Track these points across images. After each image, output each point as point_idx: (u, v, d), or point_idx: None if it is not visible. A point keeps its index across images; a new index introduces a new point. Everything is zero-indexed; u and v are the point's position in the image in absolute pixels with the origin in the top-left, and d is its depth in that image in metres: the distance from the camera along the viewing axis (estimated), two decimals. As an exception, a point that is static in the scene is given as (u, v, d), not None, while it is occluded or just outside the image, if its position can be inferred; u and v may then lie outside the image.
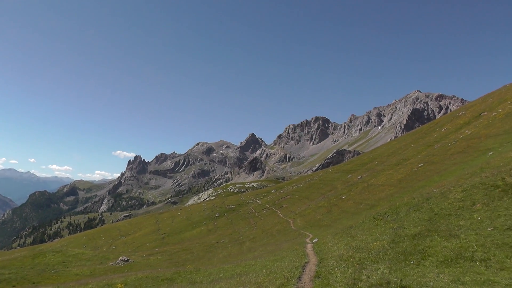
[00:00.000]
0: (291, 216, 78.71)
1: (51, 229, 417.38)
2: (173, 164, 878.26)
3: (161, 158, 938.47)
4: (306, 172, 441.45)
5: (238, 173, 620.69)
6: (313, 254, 26.02)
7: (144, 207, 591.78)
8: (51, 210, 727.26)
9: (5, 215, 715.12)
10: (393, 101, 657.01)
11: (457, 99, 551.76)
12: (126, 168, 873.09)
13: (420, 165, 61.33)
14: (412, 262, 15.80)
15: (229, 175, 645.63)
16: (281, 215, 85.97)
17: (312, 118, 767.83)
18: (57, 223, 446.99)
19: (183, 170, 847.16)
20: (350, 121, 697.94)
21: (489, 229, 16.44)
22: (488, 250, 14.08)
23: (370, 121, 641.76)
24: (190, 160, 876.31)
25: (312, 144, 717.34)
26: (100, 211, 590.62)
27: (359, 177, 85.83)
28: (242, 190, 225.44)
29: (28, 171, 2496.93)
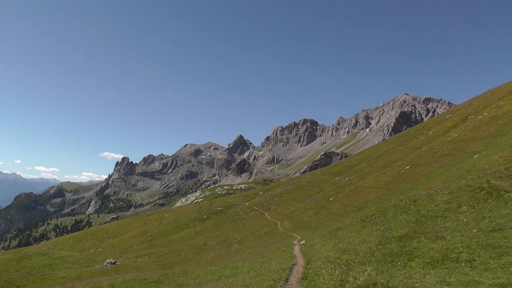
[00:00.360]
0: (279, 218, 78.75)
1: (37, 232, 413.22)
2: (161, 165, 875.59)
3: (149, 159, 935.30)
4: (294, 174, 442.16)
5: (226, 175, 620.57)
6: (300, 256, 26.05)
7: (132, 209, 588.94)
8: (38, 212, 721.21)
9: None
10: (381, 104, 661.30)
11: (444, 102, 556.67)
12: (114, 170, 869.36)
13: (407, 167, 61.70)
14: (399, 264, 15.87)
15: (217, 177, 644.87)
16: (269, 217, 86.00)
17: (300, 120, 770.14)
18: (43, 225, 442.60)
19: (171, 171, 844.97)
20: (338, 124, 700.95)
21: (474, 230, 16.57)
22: (473, 251, 14.20)
23: (358, 123, 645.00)
24: (178, 161, 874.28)
25: (300, 146, 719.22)
26: (87, 213, 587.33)
27: (347, 179, 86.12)
28: (230, 192, 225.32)
29: (14, 173, 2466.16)
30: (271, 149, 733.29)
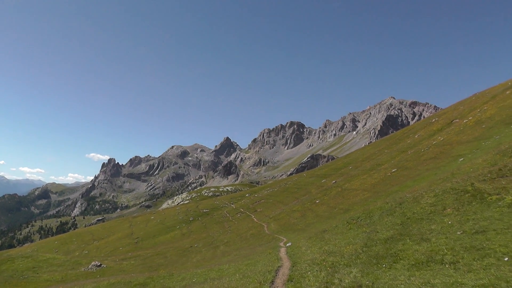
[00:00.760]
0: (265, 220, 78.71)
1: (20, 234, 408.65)
2: (147, 167, 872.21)
3: (135, 161, 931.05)
4: (280, 176, 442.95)
5: (213, 177, 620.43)
6: (286, 258, 26.07)
7: (118, 210, 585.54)
8: (22, 214, 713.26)
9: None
10: (368, 107, 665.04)
11: (430, 106, 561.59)
12: (100, 171, 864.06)
13: (393, 170, 62.07)
14: (384, 266, 15.98)
15: (203, 178, 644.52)
16: (255, 219, 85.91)
17: (287, 123, 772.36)
18: (27, 227, 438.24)
19: (158, 173, 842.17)
20: (325, 126, 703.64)
21: (458, 233, 16.74)
22: (457, 253, 14.37)
23: (345, 126, 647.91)
24: (164, 163, 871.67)
25: (287, 149, 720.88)
26: (73, 214, 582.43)
27: (333, 181, 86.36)
28: (217, 194, 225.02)
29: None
30: (258, 151, 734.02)
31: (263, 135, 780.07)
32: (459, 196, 22.45)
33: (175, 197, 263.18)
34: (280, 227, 63.56)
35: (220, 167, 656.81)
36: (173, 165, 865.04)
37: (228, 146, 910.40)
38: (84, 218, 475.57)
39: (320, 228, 39.19)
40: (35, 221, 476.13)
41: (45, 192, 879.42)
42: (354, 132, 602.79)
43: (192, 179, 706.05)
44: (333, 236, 28.26)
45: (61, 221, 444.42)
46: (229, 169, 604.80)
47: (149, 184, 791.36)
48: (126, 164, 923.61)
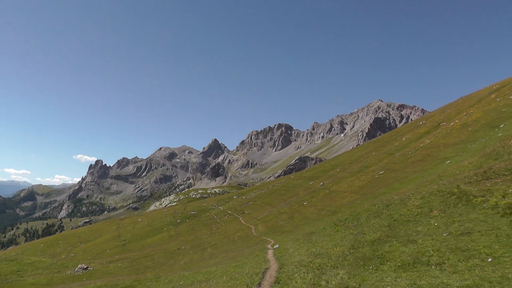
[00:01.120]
0: (253, 222, 78.67)
1: (5, 237, 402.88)
2: (135, 169, 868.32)
3: (123, 162, 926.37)
4: (268, 178, 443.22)
5: (201, 179, 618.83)
6: (274, 260, 26.06)
7: (105, 212, 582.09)
8: (6, 216, 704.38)
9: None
10: (356, 110, 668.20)
11: (417, 109, 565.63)
12: (87, 173, 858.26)
13: (381, 172, 62.35)
14: (371, 267, 16.07)
15: (191, 180, 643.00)
16: (243, 221, 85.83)
17: (275, 125, 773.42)
18: (12, 229, 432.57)
19: (145, 175, 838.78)
20: (313, 129, 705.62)
21: (444, 234, 16.90)
22: (443, 255, 14.53)
23: (333, 129, 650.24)
24: (152, 165, 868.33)
25: (275, 151, 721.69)
26: (59, 217, 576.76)
27: (321, 183, 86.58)
28: (204, 196, 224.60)
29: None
30: (246, 153, 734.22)
31: (251, 137, 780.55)
32: (445, 198, 22.67)
33: (163, 199, 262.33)
34: (267, 229, 63.56)
35: (208, 169, 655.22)
36: (160, 167, 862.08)
37: (216, 148, 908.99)
38: (71, 220, 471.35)
39: (308, 230, 39.25)
40: (20, 224, 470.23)
41: (31, 194, 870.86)
42: (342, 135, 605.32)
43: (180, 181, 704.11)
44: (321, 238, 28.32)
45: (47, 224, 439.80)
46: (217, 171, 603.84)
47: (137, 186, 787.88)
48: (114, 165, 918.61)
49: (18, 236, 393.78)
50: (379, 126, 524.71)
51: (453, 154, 46.86)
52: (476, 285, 11.33)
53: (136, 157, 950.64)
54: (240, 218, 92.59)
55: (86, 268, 63.54)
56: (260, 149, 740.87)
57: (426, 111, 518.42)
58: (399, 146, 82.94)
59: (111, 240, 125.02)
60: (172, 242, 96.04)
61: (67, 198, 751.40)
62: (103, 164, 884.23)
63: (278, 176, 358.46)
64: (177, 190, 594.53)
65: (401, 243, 18.04)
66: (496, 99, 71.84)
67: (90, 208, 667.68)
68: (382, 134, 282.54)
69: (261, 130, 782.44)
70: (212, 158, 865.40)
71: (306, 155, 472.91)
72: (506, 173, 23.20)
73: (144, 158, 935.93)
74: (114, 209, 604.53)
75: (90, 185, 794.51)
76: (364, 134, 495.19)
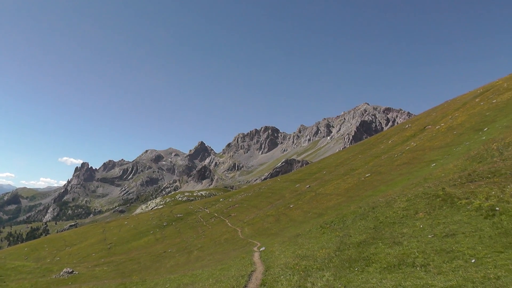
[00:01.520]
0: (239, 225, 78.59)
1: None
2: (121, 171, 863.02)
3: (109, 165, 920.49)
4: (254, 181, 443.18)
5: (187, 182, 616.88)
6: (260, 262, 26.05)
7: (91, 216, 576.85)
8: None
9: None
10: (342, 113, 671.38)
11: (404, 112, 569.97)
12: (73, 175, 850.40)
13: (367, 175, 62.68)
14: (356, 269, 16.16)
15: (177, 183, 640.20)
16: (229, 224, 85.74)
17: (262, 128, 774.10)
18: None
19: (131, 178, 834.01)
20: (300, 131, 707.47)
21: (429, 236, 17.07)
22: (428, 256, 14.70)
23: (319, 131, 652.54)
24: (138, 167, 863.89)
25: (261, 153, 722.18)
26: (44, 220, 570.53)
27: (307, 186, 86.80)
28: (191, 198, 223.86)
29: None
30: (232, 155, 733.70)
31: (237, 140, 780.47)
32: (430, 200, 22.90)
33: (149, 202, 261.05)
34: (254, 231, 63.53)
35: (194, 172, 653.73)
36: (147, 170, 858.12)
37: (202, 150, 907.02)
38: (56, 223, 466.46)
39: (294, 232, 39.31)
40: (3, 227, 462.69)
41: (15, 197, 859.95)
42: (329, 138, 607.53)
43: (166, 183, 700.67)
44: (307, 240, 28.40)
45: (31, 227, 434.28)
46: (204, 174, 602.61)
47: (123, 189, 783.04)
48: (100, 168, 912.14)
49: (1, 240, 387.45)
50: (366, 129, 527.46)
51: (439, 157, 47.32)
52: (460, 286, 11.50)
53: (123, 159, 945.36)
54: (227, 221, 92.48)
55: (72, 272, 62.92)
56: (247, 152, 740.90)
57: (412, 114, 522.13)
58: (385, 149, 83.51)
59: (97, 243, 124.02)
60: (158, 245, 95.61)
61: (53, 201, 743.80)
62: (89, 166, 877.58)
63: (265, 178, 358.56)
64: (164, 193, 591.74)
65: (386, 245, 18.18)
66: (480, 103, 72.69)
67: (76, 211, 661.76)
68: (368, 137, 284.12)
69: (248, 133, 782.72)
70: (198, 161, 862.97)
71: (292, 157, 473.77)
72: (489, 175, 23.53)
73: (131, 160, 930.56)
74: (100, 212, 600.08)
75: (76, 188, 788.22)
76: (351, 137, 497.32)
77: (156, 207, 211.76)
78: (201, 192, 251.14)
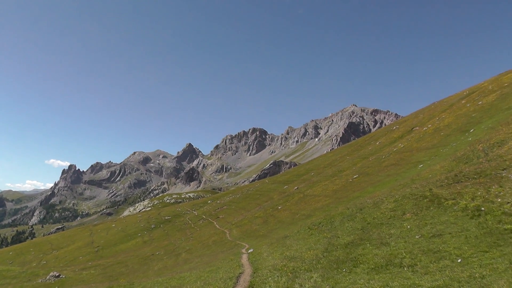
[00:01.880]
0: (228, 226, 78.48)
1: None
2: (108, 173, 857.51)
3: (96, 167, 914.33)
4: (243, 182, 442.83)
5: (175, 184, 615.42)
6: (248, 264, 26.01)
7: (78, 218, 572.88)
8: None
9: None
10: (330, 114, 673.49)
11: (391, 114, 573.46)
12: (60, 178, 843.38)
13: (355, 176, 62.91)
14: (344, 270, 16.19)
15: (165, 185, 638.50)
16: (217, 226, 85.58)
17: (250, 129, 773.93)
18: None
19: (119, 180, 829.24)
20: (287, 133, 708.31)
21: (417, 236, 17.17)
22: (415, 257, 14.78)
23: (307, 133, 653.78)
24: (126, 169, 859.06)
25: (249, 155, 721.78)
26: (30, 223, 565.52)
27: (296, 188, 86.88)
28: (179, 200, 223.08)
29: None
30: (220, 157, 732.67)
31: (225, 142, 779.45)
32: (418, 201, 23.03)
33: (137, 204, 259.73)
34: (242, 233, 63.46)
35: (182, 174, 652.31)
36: (135, 172, 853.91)
37: (190, 152, 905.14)
38: (42, 227, 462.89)
39: (282, 234, 39.32)
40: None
41: (0, 200, 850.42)
42: (317, 139, 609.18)
43: (154, 185, 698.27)
44: (295, 242, 28.41)
45: (17, 230, 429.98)
46: (192, 176, 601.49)
47: (111, 191, 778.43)
48: (87, 170, 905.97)
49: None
50: (353, 130, 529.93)
51: (426, 158, 47.63)
52: (446, 285, 11.61)
53: (110, 161, 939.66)
54: (215, 223, 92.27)
55: (58, 276, 62.30)
56: (235, 154, 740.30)
57: (399, 116, 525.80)
58: (373, 150, 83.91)
59: (84, 246, 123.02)
60: (146, 247, 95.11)
61: (39, 204, 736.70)
62: (77, 169, 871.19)
63: (253, 180, 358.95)
64: (152, 195, 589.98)
65: (374, 245, 18.25)
66: (466, 104, 73.35)
67: (63, 214, 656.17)
68: (356, 138, 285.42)
69: (236, 135, 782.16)
70: (186, 163, 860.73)
71: (280, 159, 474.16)
72: (475, 176, 23.72)
73: (118, 162, 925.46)
74: (88, 214, 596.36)
75: (63, 190, 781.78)
76: (339, 139, 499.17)
77: (144, 210, 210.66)
78: (189, 194, 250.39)
